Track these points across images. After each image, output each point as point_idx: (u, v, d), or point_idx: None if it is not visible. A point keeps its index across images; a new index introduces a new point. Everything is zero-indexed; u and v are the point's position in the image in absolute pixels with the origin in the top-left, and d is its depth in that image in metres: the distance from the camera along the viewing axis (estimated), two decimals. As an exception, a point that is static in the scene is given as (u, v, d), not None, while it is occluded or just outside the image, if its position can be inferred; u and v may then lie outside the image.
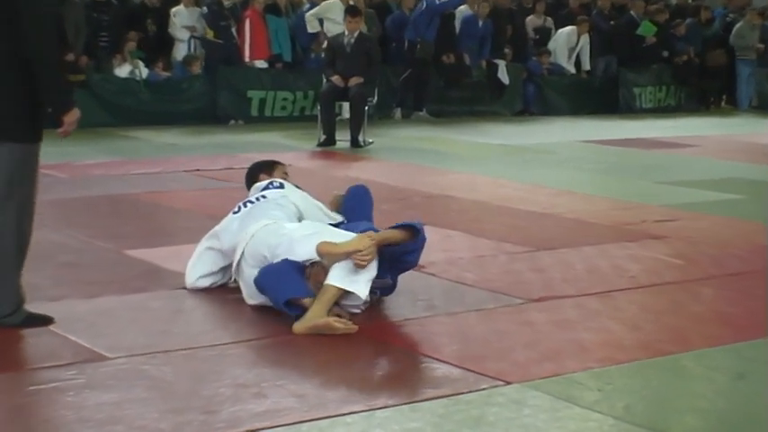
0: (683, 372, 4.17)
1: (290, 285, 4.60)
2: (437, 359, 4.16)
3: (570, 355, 4.26)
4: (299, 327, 4.45)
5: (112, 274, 5.46)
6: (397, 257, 4.79)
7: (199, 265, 5.16)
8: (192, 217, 7.12)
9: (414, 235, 4.77)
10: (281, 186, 5.33)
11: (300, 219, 5.18)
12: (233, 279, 5.10)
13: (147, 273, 5.49)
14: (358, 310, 4.72)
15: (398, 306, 4.91)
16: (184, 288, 5.13)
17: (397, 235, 4.76)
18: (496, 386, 3.87)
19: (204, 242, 5.24)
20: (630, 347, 4.42)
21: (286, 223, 4.97)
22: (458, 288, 5.33)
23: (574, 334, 4.57)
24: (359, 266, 4.54)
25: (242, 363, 4.10)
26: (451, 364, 4.10)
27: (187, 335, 4.42)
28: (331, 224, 5.10)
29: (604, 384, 3.93)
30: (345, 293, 4.57)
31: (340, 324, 4.44)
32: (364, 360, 4.27)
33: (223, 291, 5.12)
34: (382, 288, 4.89)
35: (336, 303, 4.59)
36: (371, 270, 4.62)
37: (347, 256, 4.55)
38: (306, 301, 4.57)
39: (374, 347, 4.40)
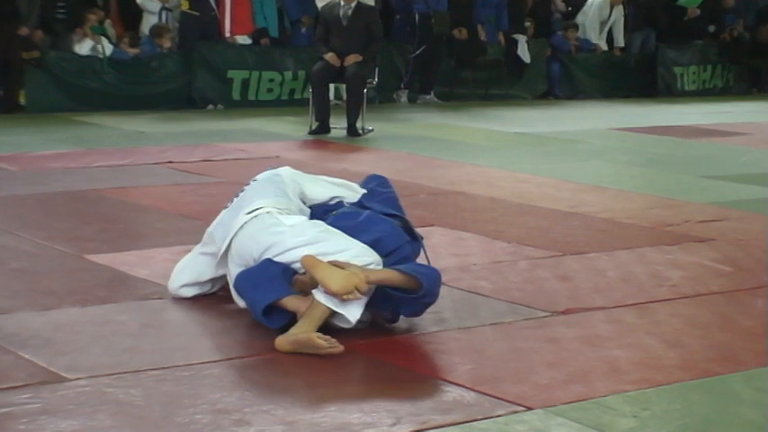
0: (731, 395, 4.17)
1: (268, 288, 4.61)
2: (447, 381, 4.17)
3: (601, 377, 4.27)
4: (280, 341, 4.44)
5: (72, 282, 5.47)
6: (392, 300, 4.68)
7: (186, 271, 5.17)
8: (164, 216, 7.14)
9: (418, 286, 4.64)
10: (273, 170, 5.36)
11: (302, 195, 5.18)
12: (219, 273, 5.09)
13: (112, 281, 5.50)
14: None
15: (403, 319, 4.90)
16: (157, 298, 5.14)
17: (398, 279, 4.62)
18: (516, 412, 3.87)
19: (198, 247, 5.24)
20: (671, 367, 4.43)
21: (284, 218, 4.92)
22: (472, 299, 5.34)
23: (605, 352, 4.58)
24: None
25: (222, 384, 4.10)
26: (464, 386, 4.10)
27: (158, 352, 4.43)
28: (353, 204, 5.12)
29: (640, 410, 3.94)
30: (335, 313, 4.57)
31: (323, 341, 4.42)
32: (363, 382, 4.28)
33: (201, 301, 5.12)
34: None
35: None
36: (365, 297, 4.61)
37: (325, 288, 4.51)
38: (287, 301, 4.57)
39: (374, 367, 4.40)
